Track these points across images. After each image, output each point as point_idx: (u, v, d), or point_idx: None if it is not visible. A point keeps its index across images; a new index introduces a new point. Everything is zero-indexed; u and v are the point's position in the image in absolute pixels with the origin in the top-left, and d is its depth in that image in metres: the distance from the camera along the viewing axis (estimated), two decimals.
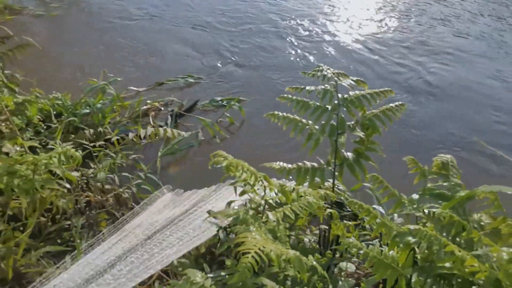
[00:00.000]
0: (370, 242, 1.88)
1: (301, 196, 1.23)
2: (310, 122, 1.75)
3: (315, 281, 1.22)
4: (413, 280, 1.31)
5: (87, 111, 2.97)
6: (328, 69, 1.88)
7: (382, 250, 1.35)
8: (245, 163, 1.21)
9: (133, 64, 3.97)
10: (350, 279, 1.43)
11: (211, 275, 1.23)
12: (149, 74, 3.82)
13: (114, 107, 3.04)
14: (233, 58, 4.26)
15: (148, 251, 1.34)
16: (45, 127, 2.72)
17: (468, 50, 4.80)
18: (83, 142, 2.35)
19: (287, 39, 4.71)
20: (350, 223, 1.61)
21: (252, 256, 0.88)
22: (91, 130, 2.68)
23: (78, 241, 1.58)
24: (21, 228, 1.61)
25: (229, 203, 1.41)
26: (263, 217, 1.27)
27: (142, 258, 1.30)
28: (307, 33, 4.88)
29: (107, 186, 2.09)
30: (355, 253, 1.32)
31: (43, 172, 1.56)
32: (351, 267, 1.48)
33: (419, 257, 1.31)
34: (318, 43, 4.69)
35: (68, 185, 1.69)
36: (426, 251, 1.26)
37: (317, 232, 1.92)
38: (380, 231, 1.32)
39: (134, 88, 3.54)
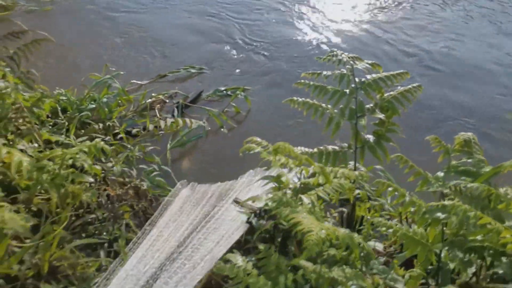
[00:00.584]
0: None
1: (336, 178, 1.26)
2: (329, 106, 1.78)
3: (353, 259, 1.25)
4: (442, 255, 1.36)
5: (93, 106, 2.95)
6: (343, 53, 1.90)
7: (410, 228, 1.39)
8: (290, 146, 1.23)
9: (132, 57, 3.94)
10: (379, 257, 1.47)
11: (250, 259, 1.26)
12: (149, 67, 3.80)
13: (120, 101, 3.02)
14: (235, 47, 4.24)
15: (188, 259, 1.36)
16: (51, 123, 2.69)
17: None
18: (98, 136, 2.35)
19: (296, 26, 4.71)
20: (376, 203, 1.64)
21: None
22: (100, 125, 2.67)
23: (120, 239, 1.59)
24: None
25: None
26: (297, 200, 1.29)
27: (186, 268, 1.31)
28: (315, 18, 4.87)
29: (120, 179, 2.10)
30: (384, 231, 1.35)
31: (68, 166, 1.57)
32: (379, 246, 1.52)
33: (448, 232, 1.35)
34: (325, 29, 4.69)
35: (91, 179, 1.69)
36: (456, 226, 1.30)
37: (336, 214, 1.96)
38: (409, 209, 1.36)
39: (137, 82, 3.51)
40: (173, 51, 4.09)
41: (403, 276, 1.31)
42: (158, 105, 3.29)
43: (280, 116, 3.31)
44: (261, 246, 1.45)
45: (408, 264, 1.49)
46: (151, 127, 1.89)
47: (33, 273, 1.41)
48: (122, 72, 3.32)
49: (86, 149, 1.41)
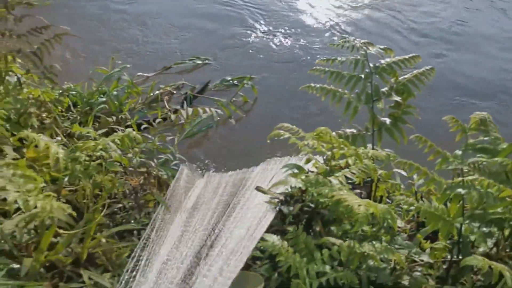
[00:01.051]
0: None
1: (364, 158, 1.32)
2: (345, 91, 1.83)
3: (381, 235, 1.32)
4: (463, 228, 1.44)
5: (103, 99, 2.97)
6: (355, 39, 1.95)
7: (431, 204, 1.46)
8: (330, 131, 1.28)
9: (135, 49, 3.95)
10: (401, 233, 1.55)
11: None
12: (154, 59, 3.81)
13: (131, 93, 3.05)
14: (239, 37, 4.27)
15: (225, 246, 1.41)
16: (63, 117, 2.72)
17: None
18: (116, 128, 2.39)
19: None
20: (396, 182, 1.71)
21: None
22: (113, 118, 2.70)
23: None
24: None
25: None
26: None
27: (224, 255, 1.36)
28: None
29: (143, 169, 2.14)
30: (407, 208, 1.41)
31: (98, 157, 1.61)
32: (400, 223, 1.59)
33: (468, 207, 1.42)
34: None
35: (121, 169, 1.74)
36: (476, 200, 1.37)
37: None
38: (431, 185, 1.43)
39: (143, 74, 3.54)
40: (178, 42, 4.10)
41: (428, 249, 1.38)
42: (166, 97, 3.33)
43: (288, 103, 3.37)
44: (290, 228, 1.52)
45: (428, 239, 1.57)
46: (173, 117, 1.93)
47: (71, 260, 1.46)
48: (128, 65, 3.34)
49: (119, 139, 1.46)
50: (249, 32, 4.37)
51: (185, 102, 3.20)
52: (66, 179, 1.77)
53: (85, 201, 1.80)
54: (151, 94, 3.24)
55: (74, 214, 1.16)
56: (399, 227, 1.61)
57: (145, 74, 3.54)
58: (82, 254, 1.41)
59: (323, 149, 1.33)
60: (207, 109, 1.87)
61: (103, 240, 1.51)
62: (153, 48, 4.00)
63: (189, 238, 1.61)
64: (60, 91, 2.01)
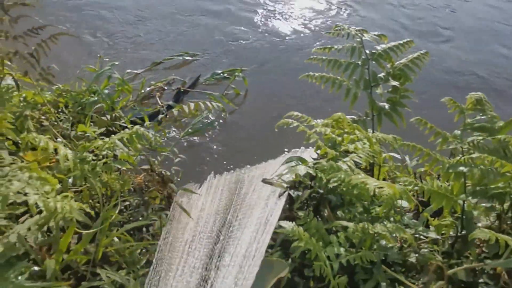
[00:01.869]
0: None
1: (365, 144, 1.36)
2: (344, 79, 1.87)
3: (392, 215, 1.37)
4: (465, 204, 1.50)
5: (94, 98, 2.93)
6: (349, 26, 1.98)
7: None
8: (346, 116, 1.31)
9: (124, 45, 3.89)
10: (408, 213, 1.61)
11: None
12: (142, 55, 3.77)
13: (122, 91, 3.01)
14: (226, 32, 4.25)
15: (239, 238, 1.43)
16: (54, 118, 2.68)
17: None
18: (122, 125, 2.38)
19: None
20: (399, 164, 1.76)
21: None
22: (108, 116, 2.68)
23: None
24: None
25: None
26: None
27: (236, 263, 1.37)
28: None
29: (145, 166, 2.14)
30: (411, 188, 1.46)
31: (103, 156, 1.61)
32: (405, 203, 1.65)
33: (470, 184, 1.49)
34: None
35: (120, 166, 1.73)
36: (478, 177, 1.43)
37: None
38: (434, 165, 1.49)
39: (133, 71, 3.50)
40: (166, 38, 4.06)
41: (432, 227, 1.44)
42: (158, 93, 3.31)
43: (280, 93, 3.39)
44: (301, 213, 1.55)
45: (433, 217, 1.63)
46: (175, 112, 1.93)
47: (86, 260, 1.46)
48: (116, 62, 3.29)
49: (127, 137, 1.46)
50: (237, 26, 4.36)
51: (180, 96, 3.19)
52: (70, 180, 1.76)
53: (91, 201, 1.80)
54: (142, 91, 3.22)
55: (92, 213, 1.16)
56: (403, 207, 1.67)
57: (134, 71, 3.51)
58: (97, 253, 1.41)
59: (333, 135, 1.36)
60: (208, 103, 1.88)
61: (115, 238, 1.51)
62: (142, 44, 3.95)
63: (195, 248, 1.60)
64: (58, 93, 1.97)
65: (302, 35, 4.26)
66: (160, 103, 3.12)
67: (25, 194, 1.10)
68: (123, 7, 4.52)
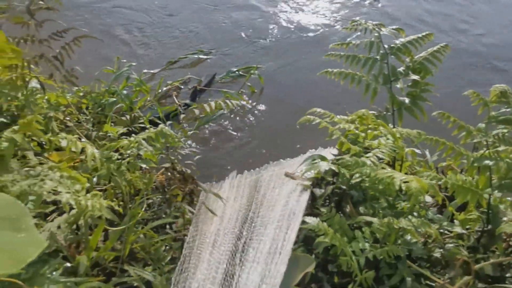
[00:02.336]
0: None
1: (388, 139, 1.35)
2: (363, 74, 1.86)
3: (417, 210, 1.36)
4: (491, 198, 1.48)
5: (114, 99, 2.98)
6: (366, 21, 1.97)
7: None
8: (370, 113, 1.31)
9: (138, 46, 3.94)
10: (431, 207, 1.59)
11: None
12: (156, 55, 3.81)
13: (140, 91, 3.06)
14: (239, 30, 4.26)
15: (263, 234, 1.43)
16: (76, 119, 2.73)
17: None
18: (141, 125, 2.42)
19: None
20: (422, 159, 1.75)
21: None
22: (127, 116, 2.72)
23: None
24: None
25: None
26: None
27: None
28: None
29: (167, 164, 2.17)
30: (435, 183, 1.45)
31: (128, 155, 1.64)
32: (428, 198, 1.64)
33: (496, 177, 1.47)
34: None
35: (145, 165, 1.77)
36: (504, 170, 1.41)
37: None
38: (458, 159, 1.47)
39: (149, 71, 3.54)
40: (179, 37, 4.10)
41: (461, 220, 1.43)
42: (175, 92, 3.35)
43: (294, 90, 3.39)
44: (323, 209, 1.56)
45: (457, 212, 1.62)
46: (196, 111, 1.95)
47: (113, 257, 1.50)
48: (134, 63, 3.34)
49: (153, 136, 1.48)
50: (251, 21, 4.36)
51: (196, 95, 3.23)
52: (94, 179, 1.80)
53: (115, 199, 1.84)
54: (160, 90, 3.25)
55: (121, 210, 1.19)
56: (426, 202, 1.66)
57: (151, 71, 3.55)
58: (124, 250, 1.45)
59: (356, 131, 1.36)
60: (228, 101, 1.89)
61: (141, 235, 1.54)
62: (157, 44, 3.99)
63: (220, 244, 1.61)
64: (80, 94, 2.02)
65: (320, 30, 4.23)
66: (177, 102, 3.16)
67: (57, 193, 1.14)
68: (146, 9, 4.56)
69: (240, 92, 3.33)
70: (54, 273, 1.07)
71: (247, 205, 1.82)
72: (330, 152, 1.87)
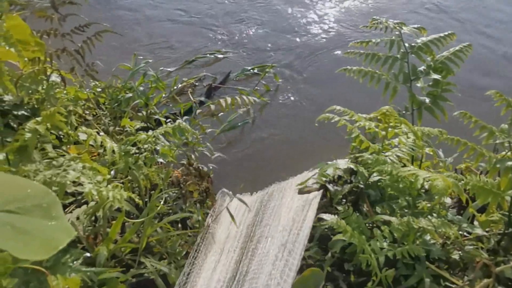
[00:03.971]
0: None
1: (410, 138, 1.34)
2: (382, 72, 1.84)
3: (437, 210, 1.34)
4: None
5: (129, 95, 3.01)
6: (387, 20, 1.95)
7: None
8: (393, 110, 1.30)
9: (157, 44, 3.97)
10: (451, 209, 1.57)
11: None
12: (175, 54, 3.84)
13: (156, 88, 3.08)
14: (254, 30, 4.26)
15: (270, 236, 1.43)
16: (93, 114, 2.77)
17: None
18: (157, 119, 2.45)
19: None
20: (444, 159, 1.72)
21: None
22: (144, 112, 2.75)
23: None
24: None
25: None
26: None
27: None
28: None
29: (183, 161, 2.19)
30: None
31: (145, 150, 1.65)
32: (448, 199, 1.61)
33: None
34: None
35: (162, 160, 1.78)
36: None
37: None
38: (480, 160, 1.44)
39: (166, 69, 3.57)
40: (197, 37, 4.11)
41: (482, 222, 1.40)
42: (190, 89, 3.36)
43: (309, 88, 3.38)
44: (340, 208, 1.55)
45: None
46: (213, 107, 1.96)
47: (130, 250, 1.51)
48: (150, 60, 3.37)
49: (170, 131, 1.49)
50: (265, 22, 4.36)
51: (212, 92, 3.24)
52: (112, 172, 1.82)
53: (131, 193, 1.86)
54: (175, 87, 3.28)
55: (141, 203, 1.20)
56: (446, 203, 1.63)
57: (167, 69, 3.58)
58: (141, 243, 1.46)
59: (376, 129, 1.35)
60: (244, 97, 1.89)
61: (158, 229, 1.55)
62: (175, 43, 4.01)
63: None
64: (97, 89, 2.05)
65: (336, 30, 4.21)
66: (192, 99, 3.18)
67: (78, 185, 1.15)
68: (163, 7, 4.59)
69: (255, 89, 3.33)
70: (75, 262, 1.09)
71: (253, 224, 1.79)
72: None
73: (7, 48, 1.22)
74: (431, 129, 1.43)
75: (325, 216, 1.31)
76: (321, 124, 1.55)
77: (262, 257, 1.44)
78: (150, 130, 1.69)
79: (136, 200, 1.19)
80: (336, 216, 1.32)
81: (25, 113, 2.02)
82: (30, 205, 0.59)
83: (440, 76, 1.73)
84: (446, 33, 1.85)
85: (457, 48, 1.79)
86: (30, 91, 1.90)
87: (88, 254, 1.23)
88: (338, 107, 1.44)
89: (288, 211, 1.66)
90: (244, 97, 1.86)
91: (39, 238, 0.56)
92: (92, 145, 2.01)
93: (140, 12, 4.47)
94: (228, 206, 1.78)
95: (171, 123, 1.66)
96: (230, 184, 2.25)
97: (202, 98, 3.21)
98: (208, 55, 3.75)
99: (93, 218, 1.46)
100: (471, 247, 1.47)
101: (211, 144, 2.45)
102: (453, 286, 1.34)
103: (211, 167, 2.14)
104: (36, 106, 2.08)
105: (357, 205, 1.64)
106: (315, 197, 1.57)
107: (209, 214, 1.87)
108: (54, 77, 2.10)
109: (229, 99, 1.80)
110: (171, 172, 2.04)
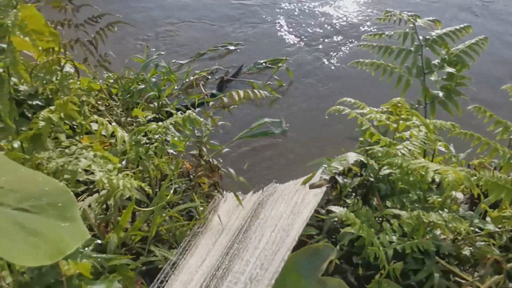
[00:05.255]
0: None
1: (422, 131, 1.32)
2: (395, 65, 1.82)
3: (448, 205, 1.33)
4: None
5: (142, 86, 3.03)
6: (401, 12, 1.92)
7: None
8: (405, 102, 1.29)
9: (166, 37, 3.99)
10: (462, 204, 1.55)
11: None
12: (187, 46, 3.85)
13: (168, 80, 3.09)
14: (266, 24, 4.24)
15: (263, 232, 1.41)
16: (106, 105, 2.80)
17: None
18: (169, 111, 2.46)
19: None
20: (454, 154, 1.70)
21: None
22: (155, 104, 2.77)
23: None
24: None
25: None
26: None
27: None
28: None
29: (193, 152, 2.19)
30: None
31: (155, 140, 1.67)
32: (460, 195, 1.59)
33: None
34: None
35: (173, 151, 1.79)
36: None
37: None
38: (494, 155, 1.42)
39: (178, 61, 3.58)
40: (209, 30, 4.11)
41: (494, 218, 1.38)
42: (202, 82, 3.37)
43: (319, 83, 3.35)
44: (349, 201, 1.54)
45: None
46: (226, 100, 1.95)
47: (139, 238, 1.53)
48: (162, 52, 3.38)
49: (180, 121, 1.50)
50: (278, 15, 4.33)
51: (223, 85, 3.24)
52: (123, 162, 1.84)
53: (141, 183, 1.88)
54: (187, 80, 3.29)
55: (151, 192, 1.21)
56: (457, 199, 1.61)
57: (180, 61, 3.59)
58: (151, 231, 1.47)
59: (387, 122, 1.33)
60: (256, 91, 1.89)
61: (167, 218, 1.57)
62: (184, 35, 4.02)
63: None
64: (109, 80, 2.07)
65: (350, 22, 4.16)
66: (204, 92, 3.18)
67: (91, 173, 1.17)
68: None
69: (267, 83, 3.32)
70: (86, 248, 1.11)
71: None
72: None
73: (22, 37, 1.24)
74: (443, 122, 1.41)
75: (334, 208, 1.31)
76: (334, 121, 1.54)
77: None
78: (161, 122, 1.70)
79: (147, 189, 1.21)
80: (345, 209, 1.31)
81: (40, 103, 2.05)
82: (45, 203, 0.58)
83: (454, 70, 1.69)
84: (462, 26, 1.81)
85: (472, 41, 1.75)
86: (44, 81, 1.94)
87: (99, 241, 1.25)
88: (349, 99, 1.43)
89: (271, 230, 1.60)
90: (256, 91, 1.85)
91: (49, 241, 0.54)
92: (104, 136, 2.04)
93: (154, 2, 4.48)
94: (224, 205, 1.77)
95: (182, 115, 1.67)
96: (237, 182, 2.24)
97: (214, 91, 3.22)
98: (220, 47, 3.75)
99: (104, 206, 1.48)
100: (483, 243, 1.45)
101: (222, 138, 2.44)
102: (463, 281, 1.33)
103: (221, 161, 2.14)
104: (50, 96, 2.11)
105: (367, 198, 1.63)
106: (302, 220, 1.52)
107: (208, 210, 1.85)
108: (68, 68, 2.13)
109: (241, 93, 1.80)
110: (181, 162, 2.05)
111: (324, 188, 1.56)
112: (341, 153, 1.42)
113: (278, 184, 1.99)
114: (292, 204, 1.57)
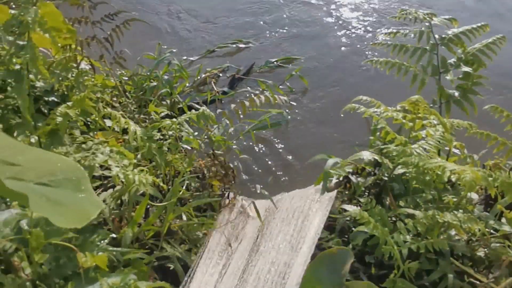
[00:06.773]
0: None
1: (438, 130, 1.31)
2: (410, 64, 1.80)
3: (464, 205, 1.31)
4: None
5: (154, 84, 3.05)
6: (416, 10, 1.90)
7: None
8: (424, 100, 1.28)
9: (179, 33, 4.00)
10: (478, 205, 1.53)
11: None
12: (196, 43, 3.86)
13: (180, 77, 3.11)
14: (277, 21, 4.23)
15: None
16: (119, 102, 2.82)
17: None
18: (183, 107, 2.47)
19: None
20: (473, 155, 1.68)
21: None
22: (168, 101, 2.79)
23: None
24: None
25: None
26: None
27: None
28: None
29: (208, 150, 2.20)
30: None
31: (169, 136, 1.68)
32: (475, 196, 1.57)
33: None
34: None
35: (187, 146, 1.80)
36: None
37: None
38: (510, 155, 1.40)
39: (188, 58, 3.60)
40: (220, 26, 4.11)
41: (510, 219, 1.36)
42: (213, 79, 3.38)
43: (333, 85, 3.33)
44: (362, 200, 1.53)
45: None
46: (247, 103, 1.93)
47: (152, 234, 1.55)
48: (174, 50, 3.39)
49: (195, 117, 1.51)
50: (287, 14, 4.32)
51: (235, 83, 3.25)
52: (138, 156, 1.86)
53: (155, 178, 1.89)
54: (198, 77, 3.30)
55: (165, 187, 1.23)
56: (472, 199, 1.59)
57: (190, 58, 3.60)
58: (164, 227, 1.49)
59: (404, 121, 1.32)
60: (277, 97, 1.88)
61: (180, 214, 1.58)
62: (195, 33, 4.03)
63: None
64: (123, 78, 2.09)
65: (365, 20, 4.11)
66: (215, 89, 3.19)
67: (106, 168, 1.19)
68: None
69: (278, 86, 3.29)
70: (102, 241, 1.12)
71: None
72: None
73: (41, 34, 1.26)
74: (461, 121, 1.39)
75: (347, 207, 1.31)
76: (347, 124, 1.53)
77: None
78: (174, 119, 1.71)
79: (161, 184, 1.22)
80: (358, 207, 1.31)
81: (55, 99, 2.08)
82: (62, 178, 0.61)
83: (471, 69, 1.67)
84: (479, 25, 1.79)
85: (489, 40, 1.73)
86: (60, 78, 1.96)
87: (113, 236, 1.27)
88: (364, 97, 1.42)
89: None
90: (276, 96, 1.84)
91: (73, 209, 0.59)
92: (117, 131, 2.06)
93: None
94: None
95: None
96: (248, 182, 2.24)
97: (225, 89, 3.23)
98: (230, 44, 3.75)
99: (118, 201, 1.50)
100: (498, 244, 1.43)
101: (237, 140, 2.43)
102: (477, 283, 1.31)
103: (235, 163, 2.14)
104: (65, 93, 2.14)
105: (380, 197, 1.62)
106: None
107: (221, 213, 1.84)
108: (84, 65, 2.16)
109: (262, 98, 1.79)
110: (194, 159, 2.06)
111: (333, 198, 1.54)
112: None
113: (285, 193, 1.97)
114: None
